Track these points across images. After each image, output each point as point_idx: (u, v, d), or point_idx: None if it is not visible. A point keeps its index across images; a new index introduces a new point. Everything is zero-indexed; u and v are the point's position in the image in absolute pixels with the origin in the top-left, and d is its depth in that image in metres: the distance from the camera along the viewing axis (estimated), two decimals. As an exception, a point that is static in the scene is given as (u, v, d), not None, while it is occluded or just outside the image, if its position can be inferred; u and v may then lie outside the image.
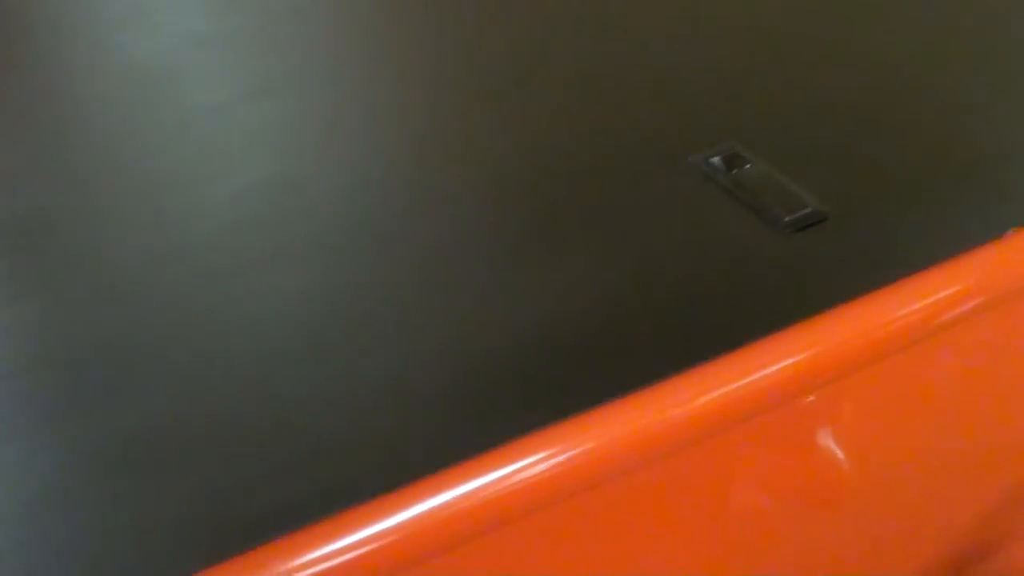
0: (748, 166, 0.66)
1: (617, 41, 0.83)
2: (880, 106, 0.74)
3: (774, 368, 0.54)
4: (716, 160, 0.66)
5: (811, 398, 0.59)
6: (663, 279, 0.59)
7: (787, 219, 0.61)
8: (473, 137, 0.72)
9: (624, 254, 0.61)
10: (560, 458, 0.49)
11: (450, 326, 0.56)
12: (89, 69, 0.81)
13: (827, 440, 0.64)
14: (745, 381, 0.53)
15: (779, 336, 0.54)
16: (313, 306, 0.58)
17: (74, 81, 0.80)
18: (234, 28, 0.86)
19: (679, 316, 0.57)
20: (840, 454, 0.65)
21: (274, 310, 0.57)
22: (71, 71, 0.81)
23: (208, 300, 0.58)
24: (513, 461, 0.48)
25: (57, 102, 0.77)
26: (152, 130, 0.72)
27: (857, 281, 0.58)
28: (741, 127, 0.70)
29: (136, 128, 0.73)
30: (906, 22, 0.87)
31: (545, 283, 0.59)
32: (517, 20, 0.86)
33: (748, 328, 0.54)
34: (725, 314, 0.56)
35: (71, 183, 0.68)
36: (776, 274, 0.59)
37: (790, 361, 0.54)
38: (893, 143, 0.70)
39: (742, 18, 0.87)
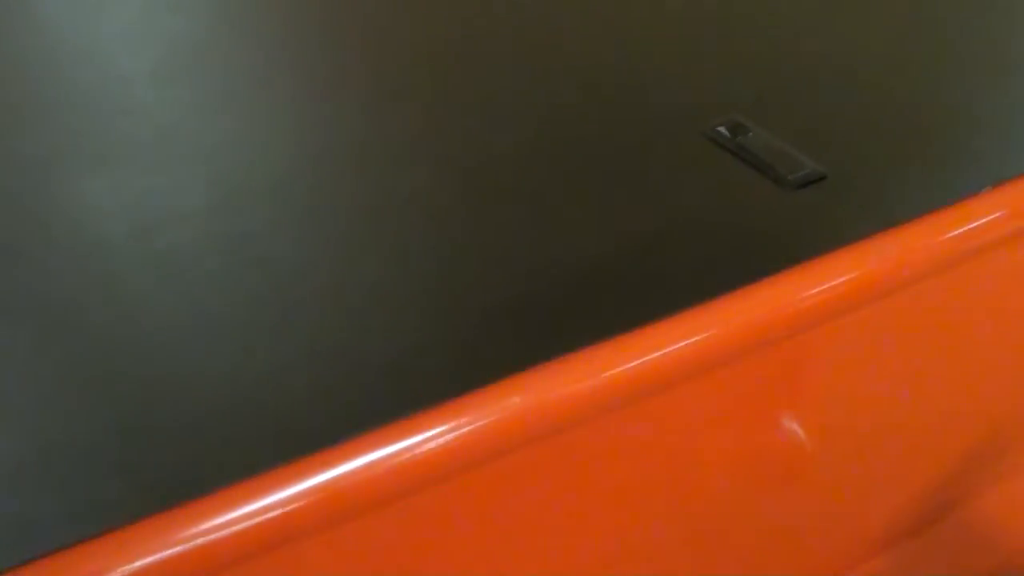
0: (751, 134, 0.73)
1: (617, 27, 0.91)
2: (869, 77, 0.83)
3: (728, 327, 0.60)
4: (722, 129, 0.74)
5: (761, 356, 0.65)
6: (684, 224, 0.66)
7: (790, 177, 0.69)
8: (493, 115, 0.79)
9: (646, 205, 0.68)
10: (487, 420, 0.53)
11: (485, 268, 0.63)
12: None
13: (781, 402, 0.70)
14: (691, 340, 0.58)
15: (730, 296, 0.60)
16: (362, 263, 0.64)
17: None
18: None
19: (698, 254, 0.64)
20: (794, 420, 0.71)
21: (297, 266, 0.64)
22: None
23: (269, 245, 0.64)
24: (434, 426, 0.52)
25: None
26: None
27: (852, 229, 0.66)
28: (742, 100, 0.78)
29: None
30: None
31: (571, 231, 0.66)
32: (523, 5, 0.95)
33: (758, 263, 0.62)
34: (739, 253, 0.64)
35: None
36: (781, 222, 0.66)
37: (739, 319, 0.60)
38: (881, 111, 0.78)
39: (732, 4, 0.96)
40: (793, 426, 0.71)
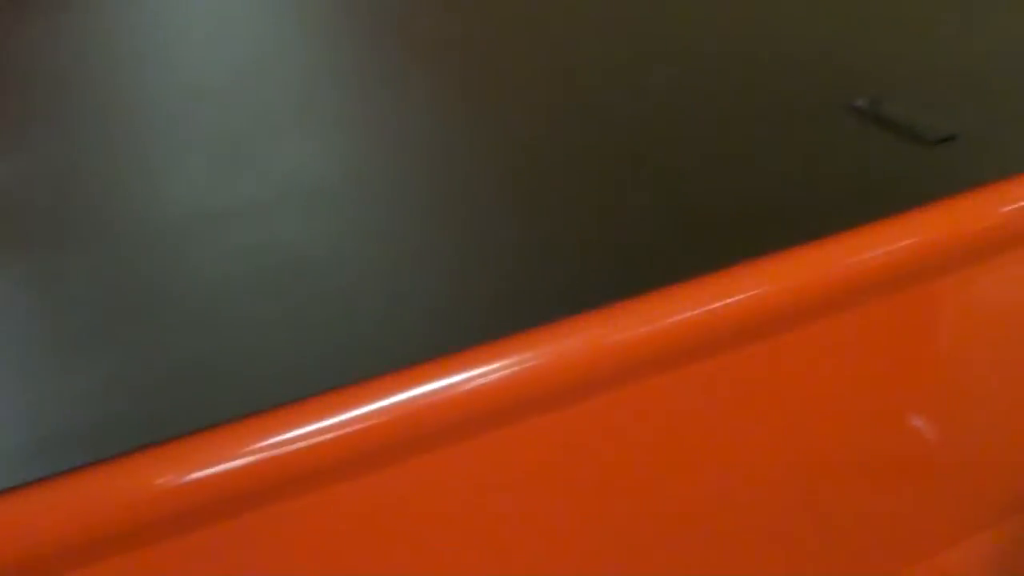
0: (886, 103, 0.85)
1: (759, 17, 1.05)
2: (991, 48, 0.95)
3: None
4: (861, 102, 0.86)
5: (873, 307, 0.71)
6: (836, 179, 0.78)
7: (925, 138, 0.81)
8: (661, 82, 0.94)
9: (803, 166, 0.80)
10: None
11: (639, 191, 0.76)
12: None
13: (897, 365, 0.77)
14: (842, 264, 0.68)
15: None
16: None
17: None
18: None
19: (851, 200, 0.75)
20: (908, 384, 0.77)
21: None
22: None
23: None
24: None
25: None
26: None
27: (981, 178, 0.77)
28: (875, 76, 0.91)
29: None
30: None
31: (731, 187, 0.78)
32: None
33: (897, 205, 0.72)
34: (885, 199, 0.75)
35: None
36: (922, 175, 0.78)
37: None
38: (1003, 78, 0.90)
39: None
40: (908, 391, 0.79)
